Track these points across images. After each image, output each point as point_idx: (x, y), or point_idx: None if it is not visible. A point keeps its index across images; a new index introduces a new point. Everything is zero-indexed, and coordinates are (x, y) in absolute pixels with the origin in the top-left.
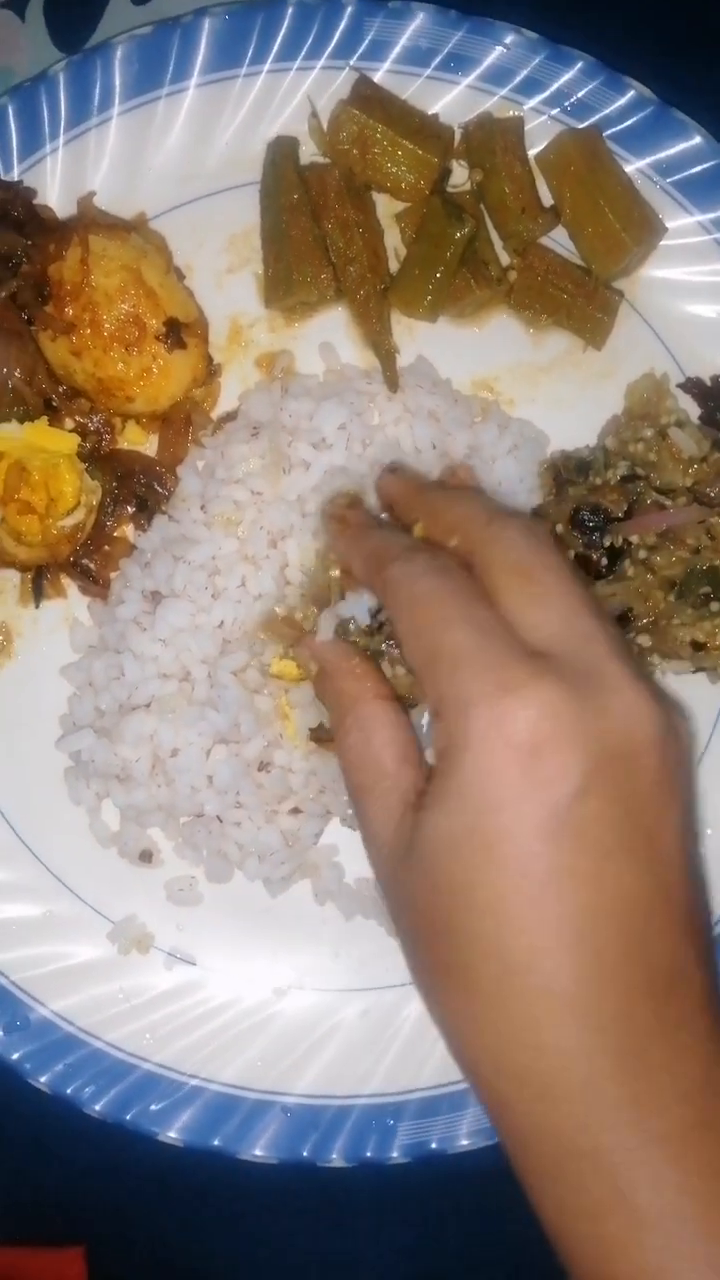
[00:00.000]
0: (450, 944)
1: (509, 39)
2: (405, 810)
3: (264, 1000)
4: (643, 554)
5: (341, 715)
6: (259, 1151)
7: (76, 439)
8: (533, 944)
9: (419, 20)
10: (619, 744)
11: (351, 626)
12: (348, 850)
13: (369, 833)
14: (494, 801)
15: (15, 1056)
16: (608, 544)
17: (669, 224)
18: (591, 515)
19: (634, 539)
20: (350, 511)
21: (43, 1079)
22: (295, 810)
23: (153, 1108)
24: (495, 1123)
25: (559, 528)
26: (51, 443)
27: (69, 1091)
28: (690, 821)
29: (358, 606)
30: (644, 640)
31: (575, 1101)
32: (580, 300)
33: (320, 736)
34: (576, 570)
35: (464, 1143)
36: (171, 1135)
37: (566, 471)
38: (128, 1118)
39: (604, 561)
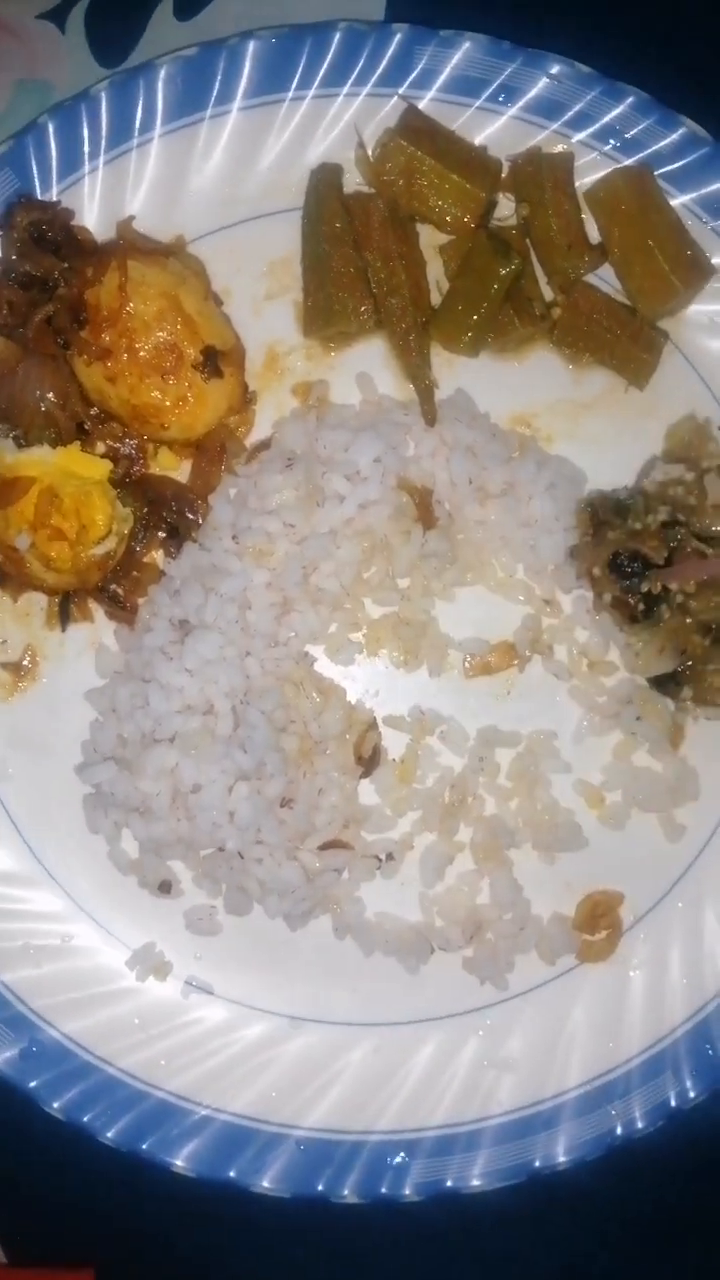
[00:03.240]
0: None
1: (562, 72)
2: None
3: (280, 1031)
4: (679, 598)
5: None
6: (273, 1185)
7: (109, 466)
8: None
9: (471, 50)
10: None
11: None
12: (369, 885)
13: None
14: None
15: (32, 1084)
16: (645, 590)
17: (716, 261)
18: (630, 561)
19: (673, 586)
20: None
21: (56, 1105)
22: (321, 847)
23: (166, 1137)
24: None
25: (595, 570)
26: (84, 469)
27: (85, 1120)
28: None
29: None
30: (685, 692)
31: None
32: (624, 340)
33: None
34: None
35: (477, 1183)
36: (186, 1167)
37: (604, 512)
38: (143, 1147)
39: (640, 607)
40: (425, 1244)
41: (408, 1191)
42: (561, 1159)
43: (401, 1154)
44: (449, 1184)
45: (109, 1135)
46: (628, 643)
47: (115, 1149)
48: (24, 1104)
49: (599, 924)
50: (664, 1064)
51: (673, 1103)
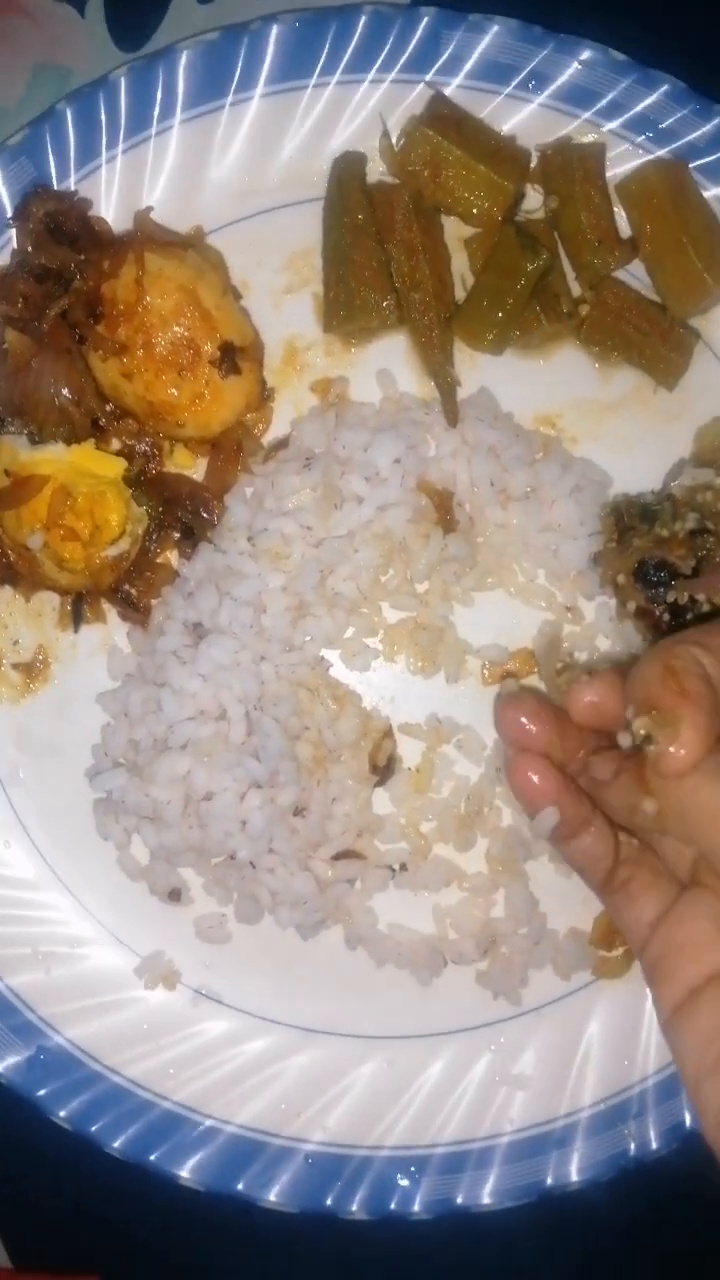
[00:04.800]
0: None
1: (595, 59)
2: None
3: (290, 1042)
4: (706, 608)
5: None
6: (281, 1200)
7: (123, 464)
8: None
9: (501, 35)
10: None
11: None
12: (381, 896)
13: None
14: None
15: (39, 1093)
16: (671, 600)
17: None
18: (657, 570)
19: (700, 596)
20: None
21: (63, 1114)
22: (334, 856)
23: (173, 1148)
24: None
25: (620, 578)
26: (98, 467)
27: (92, 1130)
28: None
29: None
30: None
31: None
32: (654, 339)
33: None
34: None
35: (487, 1201)
36: (193, 1179)
37: (630, 518)
38: (151, 1158)
39: (666, 617)
40: (431, 1260)
41: (417, 1209)
42: (574, 1179)
43: (411, 1170)
44: (459, 1202)
45: (116, 1145)
46: None
47: (122, 1159)
48: (29, 1110)
49: (615, 940)
50: (679, 1084)
51: (687, 1124)
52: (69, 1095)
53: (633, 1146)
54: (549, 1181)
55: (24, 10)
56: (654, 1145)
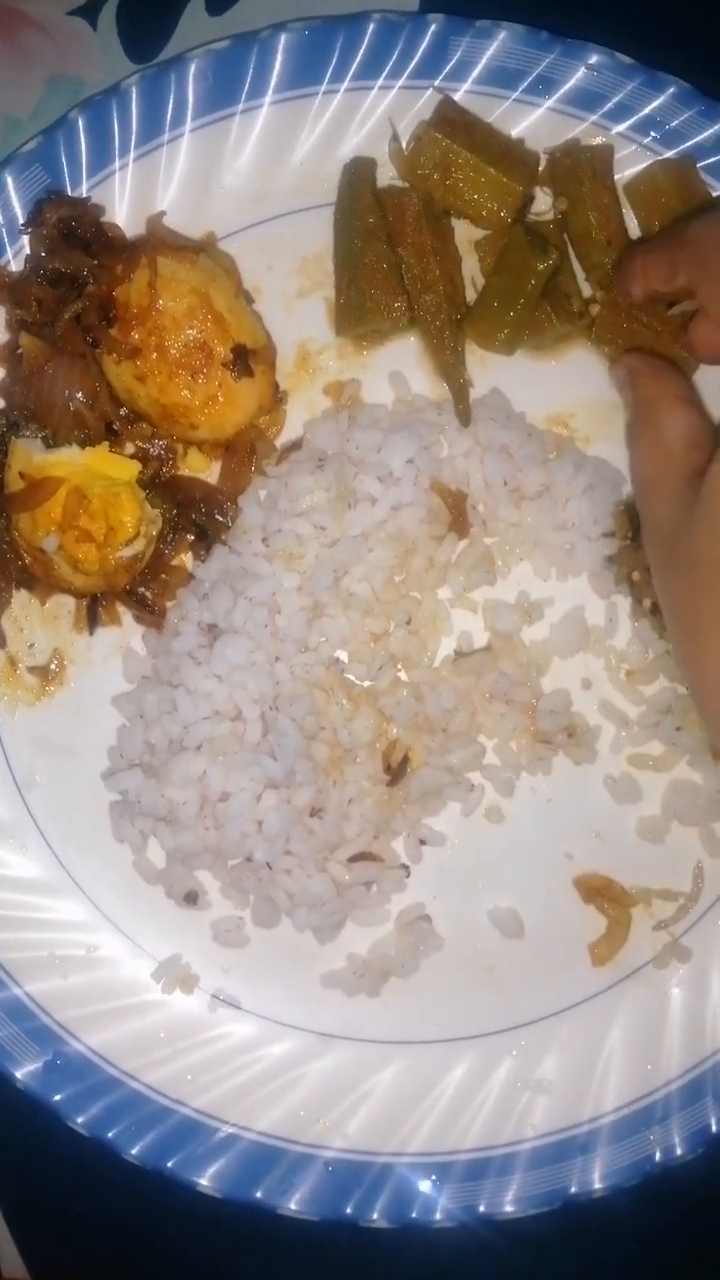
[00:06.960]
0: None
1: (601, 62)
2: (686, 487)
3: (309, 1048)
4: None
5: (637, 416)
6: (301, 1207)
7: (137, 466)
8: None
9: (508, 40)
10: None
11: None
12: (399, 899)
13: (652, 522)
14: None
15: (56, 1098)
16: None
17: None
18: None
19: None
20: None
21: (80, 1120)
22: (351, 859)
23: (191, 1155)
24: None
25: (635, 575)
26: (112, 469)
27: (110, 1136)
28: None
29: None
30: None
31: None
32: (664, 338)
33: None
34: None
35: (510, 1208)
36: (212, 1186)
37: None
38: (168, 1165)
39: None
40: (453, 1268)
41: (439, 1216)
42: (597, 1185)
43: (433, 1177)
44: (482, 1210)
45: (133, 1152)
46: (667, 650)
47: (139, 1166)
48: (47, 1117)
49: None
50: (704, 1088)
51: (714, 1129)
52: (86, 1101)
53: (658, 1152)
54: (573, 1189)
55: (37, 23)
56: (679, 1150)
